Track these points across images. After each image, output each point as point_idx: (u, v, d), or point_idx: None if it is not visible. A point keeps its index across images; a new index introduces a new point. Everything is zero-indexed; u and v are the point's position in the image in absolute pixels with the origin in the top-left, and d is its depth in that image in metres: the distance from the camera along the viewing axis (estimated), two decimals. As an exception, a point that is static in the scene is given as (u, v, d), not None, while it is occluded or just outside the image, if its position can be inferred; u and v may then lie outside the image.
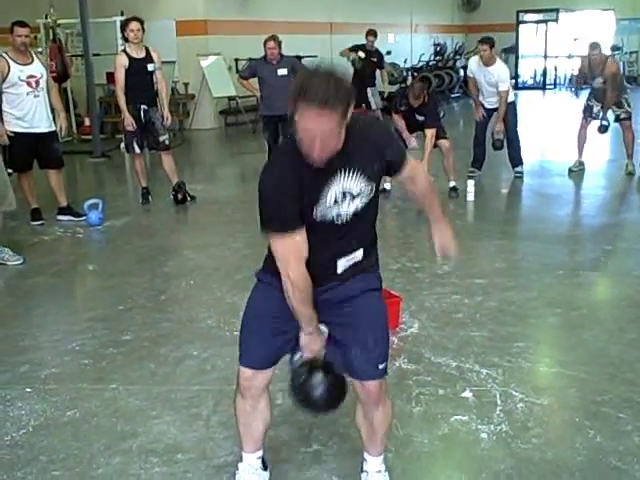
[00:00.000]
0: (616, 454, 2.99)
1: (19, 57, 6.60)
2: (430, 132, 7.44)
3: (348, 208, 2.32)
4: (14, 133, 6.52)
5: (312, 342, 2.45)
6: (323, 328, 2.49)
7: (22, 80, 6.58)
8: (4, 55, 6.60)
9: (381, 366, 2.48)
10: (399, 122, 7.55)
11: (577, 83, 9.80)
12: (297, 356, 2.51)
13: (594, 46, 8.66)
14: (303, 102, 2.08)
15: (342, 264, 2.42)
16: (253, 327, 2.56)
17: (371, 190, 2.35)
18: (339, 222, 2.33)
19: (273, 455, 2.93)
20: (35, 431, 3.27)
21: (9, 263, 5.82)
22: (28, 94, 6.62)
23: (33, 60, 6.72)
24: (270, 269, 2.43)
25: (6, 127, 6.50)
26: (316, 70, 2.13)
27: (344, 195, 2.29)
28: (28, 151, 6.69)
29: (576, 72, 9.45)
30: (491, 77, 8.31)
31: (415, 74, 18.33)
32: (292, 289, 2.32)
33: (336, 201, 2.29)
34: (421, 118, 7.43)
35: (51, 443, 3.17)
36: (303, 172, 2.23)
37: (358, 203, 2.33)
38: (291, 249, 2.29)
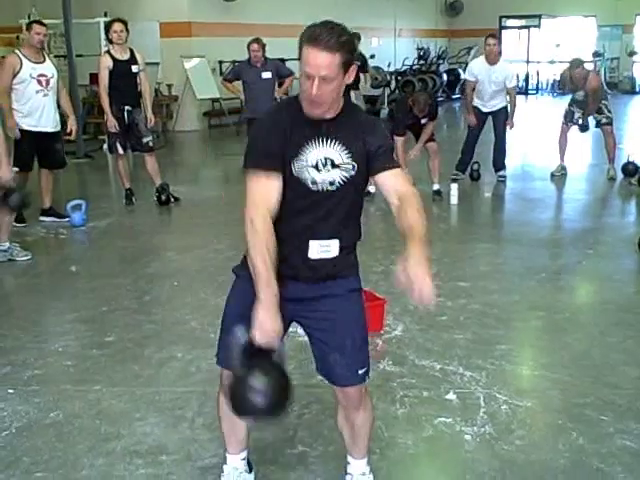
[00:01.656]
0: (599, 456, 3.01)
1: (32, 55, 6.59)
2: (432, 124, 7.58)
3: (327, 175, 2.31)
4: (20, 131, 6.49)
5: (267, 320, 2.20)
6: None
7: (32, 77, 6.57)
8: (17, 52, 6.63)
9: (361, 371, 2.47)
10: (399, 146, 7.50)
11: (560, 88, 9.85)
12: (241, 331, 2.21)
13: (576, 64, 8.72)
14: (306, 44, 2.21)
15: (315, 249, 2.36)
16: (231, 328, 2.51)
17: (353, 168, 2.32)
18: (315, 189, 2.31)
19: (258, 456, 2.93)
20: (18, 432, 3.25)
21: (18, 259, 5.83)
22: (37, 92, 6.60)
23: (45, 59, 6.72)
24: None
25: None
26: (323, 22, 2.27)
27: (325, 161, 2.30)
28: (32, 150, 6.65)
29: (558, 78, 9.50)
30: (498, 75, 8.41)
31: (399, 78, 18.41)
32: (252, 232, 2.23)
33: (316, 166, 2.30)
34: (425, 120, 7.50)
35: (34, 445, 3.15)
36: (294, 123, 2.30)
37: (337, 175, 2.31)
38: (263, 191, 2.27)
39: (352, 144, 2.33)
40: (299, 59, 2.25)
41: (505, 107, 8.62)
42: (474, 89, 8.62)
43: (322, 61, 2.18)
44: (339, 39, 2.20)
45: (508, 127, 8.67)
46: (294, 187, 2.30)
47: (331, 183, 2.32)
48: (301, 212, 2.34)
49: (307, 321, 2.49)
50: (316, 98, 2.23)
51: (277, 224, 2.29)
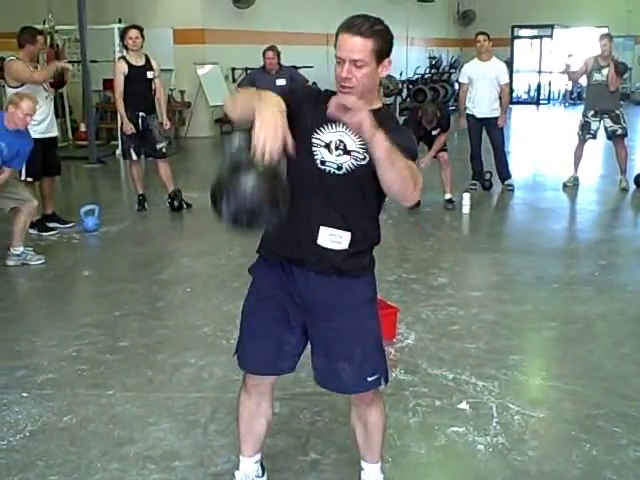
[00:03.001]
0: (612, 467, 3.00)
1: (31, 63, 6.61)
2: (444, 134, 7.63)
3: (337, 159, 2.31)
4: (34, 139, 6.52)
5: (268, 112, 2.11)
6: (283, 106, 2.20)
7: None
8: (18, 58, 6.59)
9: (370, 378, 2.45)
10: None
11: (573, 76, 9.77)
12: (241, 136, 2.07)
13: (603, 36, 8.88)
14: (341, 31, 2.27)
15: (324, 236, 2.34)
16: (251, 332, 2.53)
17: (363, 159, 2.29)
18: (323, 169, 2.31)
19: (271, 463, 2.93)
20: (32, 436, 3.26)
21: (32, 263, 5.86)
22: (47, 98, 6.67)
23: (37, 66, 6.76)
24: (263, 245, 2.45)
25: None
26: (359, 14, 2.33)
27: (338, 144, 2.31)
28: (40, 158, 6.63)
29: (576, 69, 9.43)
30: (491, 71, 8.54)
31: (410, 87, 18.43)
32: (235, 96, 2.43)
33: (329, 145, 2.31)
34: (436, 131, 7.55)
35: (48, 448, 3.16)
36: (325, 101, 2.25)
37: (347, 160, 2.30)
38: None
39: None
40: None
41: (497, 118, 8.67)
42: (466, 92, 8.73)
43: (353, 45, 2.23)
44: (373, 27, 2.26)
45: (499, 123, 8.71)
46: (303, 162, 2.29)
47: (339, 167, 2.31)
48: (309, 193, 2.32)
49: (318, 330, 2.46)
50: (346, 82, 2.26)
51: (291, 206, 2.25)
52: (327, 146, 2.32)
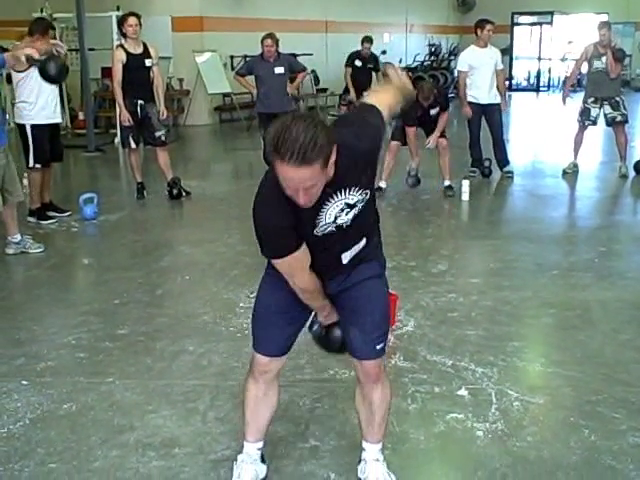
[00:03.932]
0: (611, 453, 3.00)
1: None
2: (446, 115, 7.70)
3: (347, 216, 2.36)
4: (39, 126, 6.45)
5: (329, 318, 2.63)
6: None
7: None
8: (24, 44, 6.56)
9: (379, 346, 2.56)
10: (412, 136, 7.56)
11: (568, 83, 9.86)
12: (316, 326, 2.70)
13: (603, 25, 8.79)
14: (279, 158, 2.04)
15: (347, 256, 2.48)
16: (267, 316, 2.61)
17: (367, 194, 2.38)
18: (341, 228, 2.38)
19: (271, 450, 2.94)
20: (32, 424, 3.26)
21: (31, 251, 5.84)
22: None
23: None
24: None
25: (32, 121, 6.46)
26: (291, 123, 2.04)
27: (342, 209, 2.33)
28: (47, 144, 6.58)
29: (569, 72, 9.48)
30: (490, 57, 8.61)
31: (410, 74, 18.37)
32: (301, 293, 2.46)
33: (335, 217, 2.34)
34: (434, 111, 7.54)
35: (48, 436, 3.17)
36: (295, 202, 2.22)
37: (356, 210, 2.37)
38: (293, 265, 2.36)
39: (361, 178, 2.34)
40: (270, 163, 2.12)
41: (496, 104, 8.67)
42: (466, 80, 8.71)
43: (302, 177, 2.06)
44: (315, 146, 2.02)
45: (502, 108, 8.79)
46: (321, 238, 2.37)
47: (354, 217, 2.38)
48: (331, 245, 2.42)
49: (335, 297, 2.59)
50: (306, 205, 2.19)
51: (312, 257, 2.39)
52: (334, 221, 2.34)
